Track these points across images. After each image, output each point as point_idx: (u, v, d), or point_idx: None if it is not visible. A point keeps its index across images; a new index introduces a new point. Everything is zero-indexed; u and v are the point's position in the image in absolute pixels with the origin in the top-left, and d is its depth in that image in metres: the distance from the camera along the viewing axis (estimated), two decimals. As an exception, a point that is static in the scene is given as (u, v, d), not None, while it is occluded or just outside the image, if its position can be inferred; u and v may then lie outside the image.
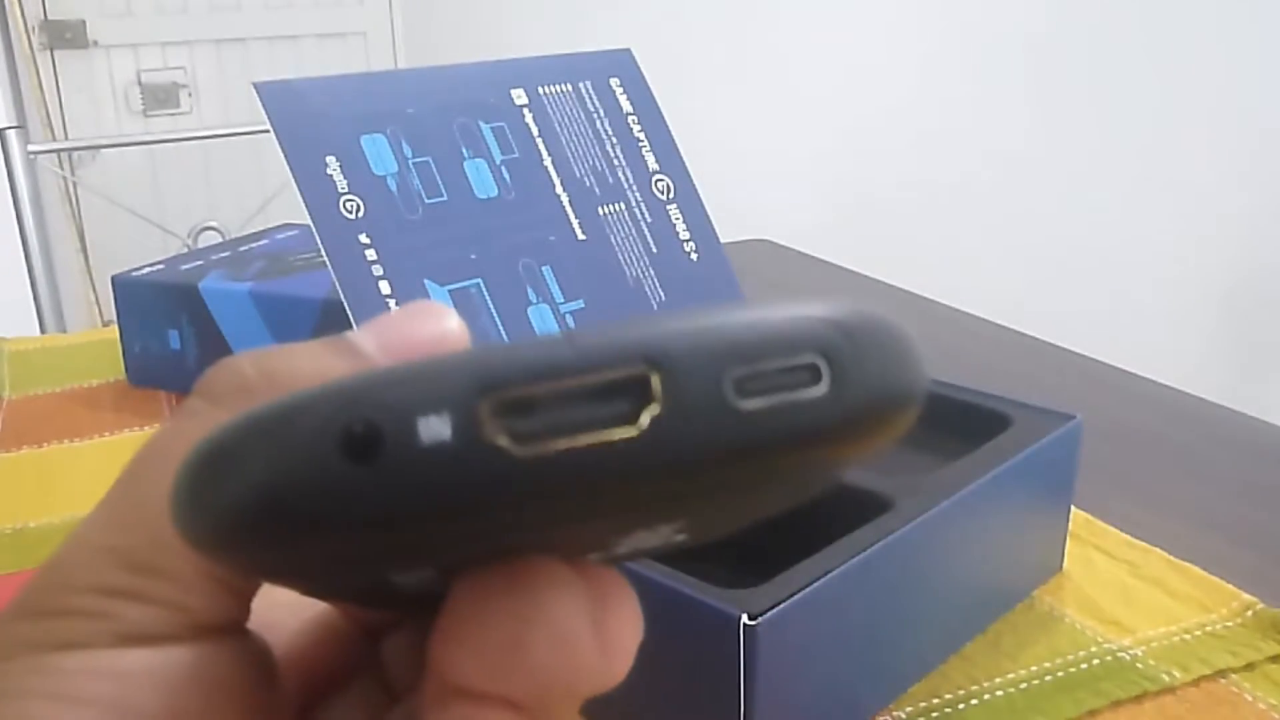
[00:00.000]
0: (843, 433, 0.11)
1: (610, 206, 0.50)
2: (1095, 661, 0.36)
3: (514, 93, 0.49)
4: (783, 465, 0.11)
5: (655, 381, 0.10)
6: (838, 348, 0.11)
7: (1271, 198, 2.14)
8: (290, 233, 0.72)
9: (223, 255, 0.66)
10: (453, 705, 0.13)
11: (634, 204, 0.51)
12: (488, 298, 0.45)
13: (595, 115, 0.51)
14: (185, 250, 1.15)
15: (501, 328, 0.45)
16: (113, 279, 0.63)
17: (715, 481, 0.11)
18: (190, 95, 1.97)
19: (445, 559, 0.12)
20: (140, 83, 1.94)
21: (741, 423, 0.10)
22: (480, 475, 0.10)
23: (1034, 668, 0.36)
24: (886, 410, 0.11)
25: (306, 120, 0.43)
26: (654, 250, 0.50)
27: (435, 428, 0.10)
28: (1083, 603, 0.39)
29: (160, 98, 1.95)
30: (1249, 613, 0.38)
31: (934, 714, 0.34)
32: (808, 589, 0.30)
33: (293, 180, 0.42)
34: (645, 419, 0.10)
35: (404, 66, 1.96)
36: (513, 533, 0.11)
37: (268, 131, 0.42)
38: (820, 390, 0.11)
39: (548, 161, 0.49)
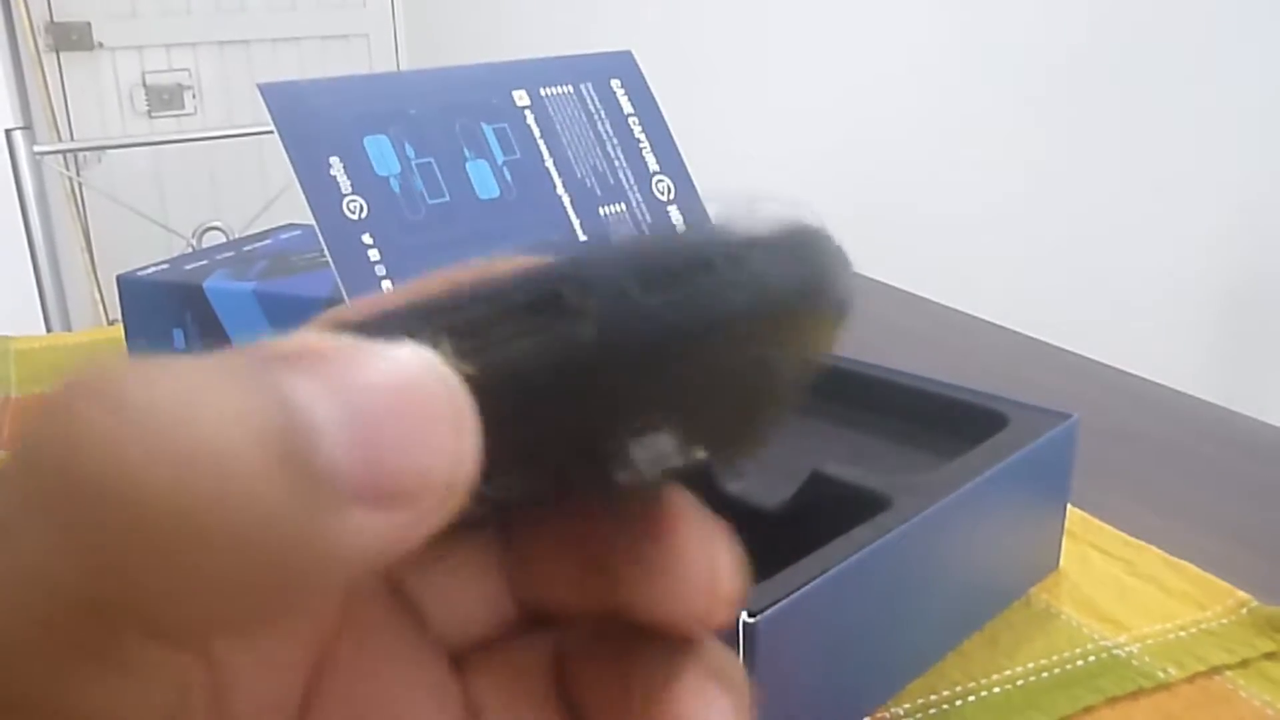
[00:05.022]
0: (743, 315, 0.12)
1: (611, 207, 0.50)
2: (1091, 658, 0.36)
3: (516, 94, 0.49)
4: (696, 347, 0.13)
5: (573, 293, 0.12)
6: (735, 246, 0.12)
7: (1272, 199, 2.14)
8: (294, 233, 0.72)
9: (227, 255, 0.67)
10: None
11: (635, 205, 0.51)
12: (489, 297, 0.45)
13: (596, 116, 0.51)
14: (189, 250, 1.16)
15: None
16: (118, 278, 0.64)
17: (650, 368, 0.12)
18: (194, 96, 1.98)
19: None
20: (145, 84, 1.95)
21: (650, 313, 0.12)
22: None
23: (1030, 665, 0.36)
24: (792, 299, 0.13)
25: (310, 121, 0.43)
26: (655, 250, 0.51)
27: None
28: (1079, 600, 0.40)
29: (165, 99, 1.96)
30: (1244, 610, 0.38)
31: (931, 711, 0.34)
32: (807, 586, 0.30)
33: (296, 181, 0.42)
34: (572, 323, 0.12)
35: (406, 68, 1.97)
36: (523, 442, 0.13)
37: (271, 132, 0.43)
38: (711, 280, 0.12)
39: (549, 162, 0.49)
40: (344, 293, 0.42)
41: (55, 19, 1.86)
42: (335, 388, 0.10)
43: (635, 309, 0.12)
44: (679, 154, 0.53)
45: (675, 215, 0.52)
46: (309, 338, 0.11)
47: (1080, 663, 0.36)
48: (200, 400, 0.10)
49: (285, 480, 0.10)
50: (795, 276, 0.13)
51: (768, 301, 0.12)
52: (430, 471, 0.10)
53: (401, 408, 0.10)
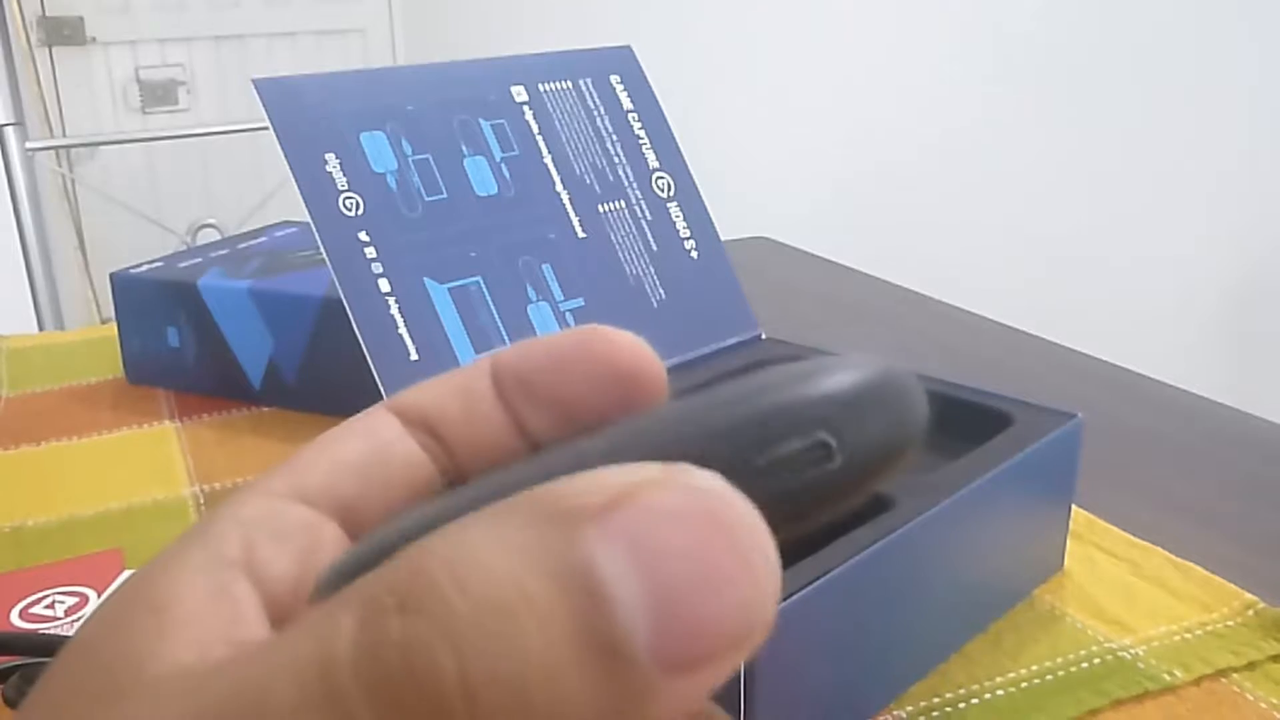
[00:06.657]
0: (856, 486, 0.13)
1: (610, 204, 0.50)
2: (1096, 661, 0.36)
3: (514, 90, 0.49)
4: (808, 517, 0.14)
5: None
6: (841, 423, 0.13)
7: (1272, 197, 2.14)
8: (289, 230, 0.72)
9: (221, 253, 0.66)
10: None
11: (634, 201, 0.50)
12: (487, 295, 0.45)
13: (596, 112, 0.51)
14: (184, 247, 1.15)
15: (501, 326, 0.45)
16: (111, 276, 0.63)
17: None
18: (189, 92, 1.97)
19: None
20: (138, 80, 1.94)
21: (770, 501, 0.13)
22: None
23: (1035, 667, 0.36)
24: (892, 458, 0.14)
25: (306, 117, 0.43)
26: (654, 248, 0.50)
27: None
28: (1084, 602, 0.39)
29: (158, 95, 1.95)
30: (1250, 612, 0.38)
31: (935, 713, 0.34)
32: (808, 588, 0.30)
33: (292, 177, 0.42)
34: None
35: (403, 64, 1.96)
36: None
37: (266, 129, 0.42)
38: (834, 464, 0.13)
39: (548, 159, 0.49)
40: (340, 291, 0.41)
41: (47, 13, 1.85)
42: (639, 553, 0.10)
43: (750, 492, 0.13)
44: (679, 151, 0.53)
45: (675, 212, 0.52)
46: (606, 480, 0.11)
47: (1085, 665, 0.36)
48: (521, 608, 0.10)
49: (597, 672, 0.10)
50: (891, 435, 0.13)
51: (864, 468, 0.13)
52: (737, 626, 0.11)
53: (711, 544, 0.11)
